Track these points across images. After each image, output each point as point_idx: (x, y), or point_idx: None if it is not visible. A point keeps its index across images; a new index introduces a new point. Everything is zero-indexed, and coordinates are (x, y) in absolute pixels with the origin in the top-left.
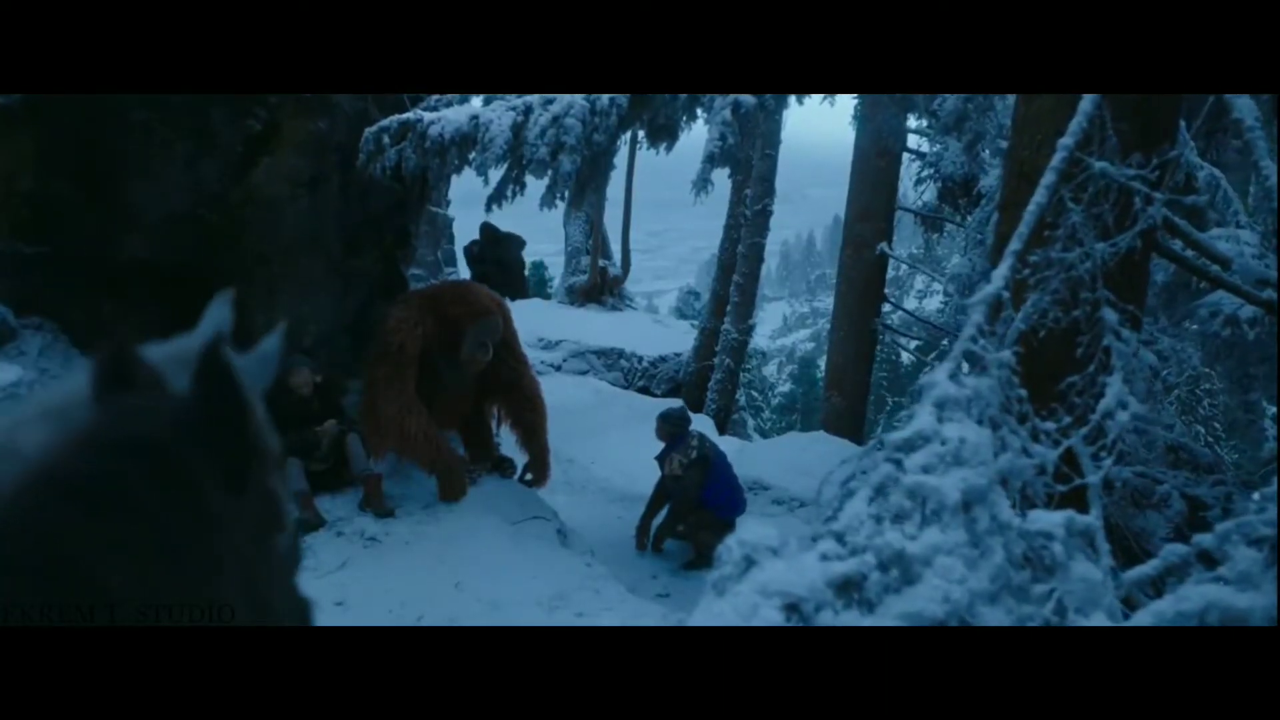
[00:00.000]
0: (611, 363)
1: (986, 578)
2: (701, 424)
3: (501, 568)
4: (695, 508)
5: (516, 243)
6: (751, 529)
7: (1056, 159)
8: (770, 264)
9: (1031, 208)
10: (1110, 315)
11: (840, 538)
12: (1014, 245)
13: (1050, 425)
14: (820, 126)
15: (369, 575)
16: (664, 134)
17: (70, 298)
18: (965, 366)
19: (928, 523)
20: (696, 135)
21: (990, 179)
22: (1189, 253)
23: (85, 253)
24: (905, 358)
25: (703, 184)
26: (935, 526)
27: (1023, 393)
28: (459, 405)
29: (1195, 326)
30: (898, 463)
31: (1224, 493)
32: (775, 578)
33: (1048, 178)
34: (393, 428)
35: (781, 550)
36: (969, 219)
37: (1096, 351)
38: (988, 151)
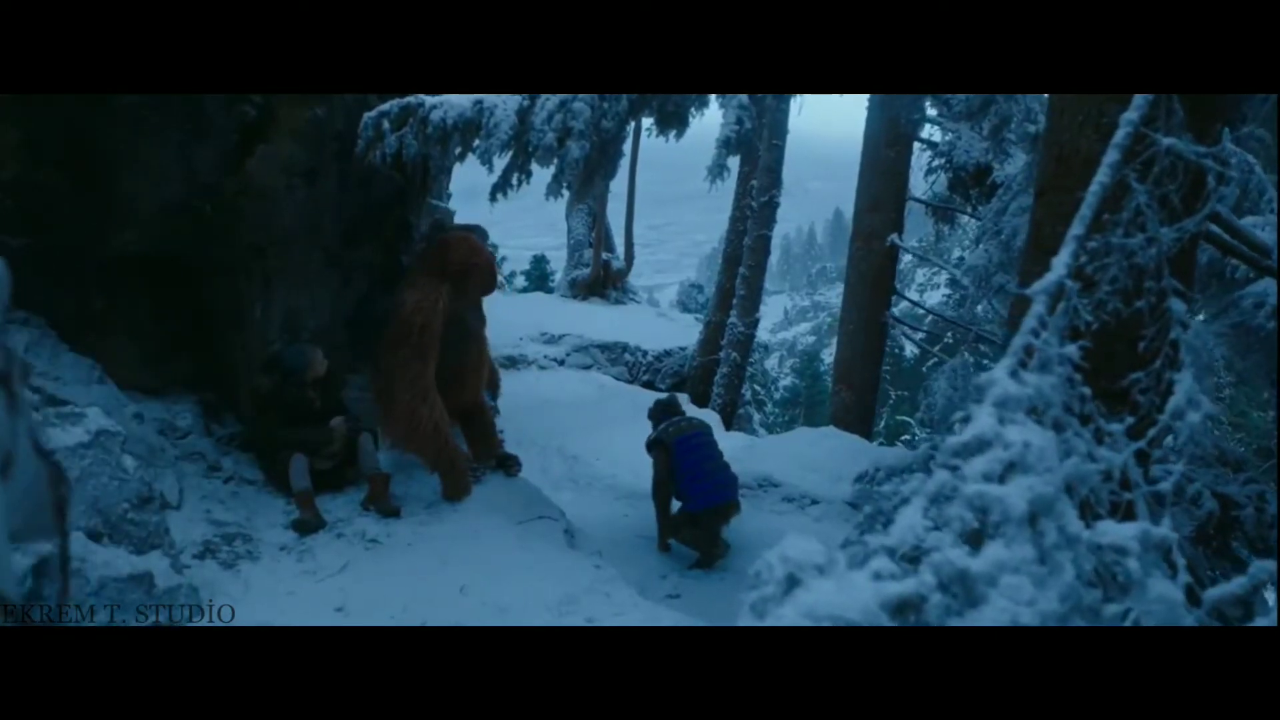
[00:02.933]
0: (615, 357)
1: (1056, 598)
2: (707, 419)
3: (508, 570)
4: (664, 494)
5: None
6: (795, 544)
7: (1120, 135)
8: (771, 258)
9: (1094, 188)
10: (1178, 306)
11: (894, 553)
12: (1076, 230)
13: (1117, 426)
14: (821, 119)
15: (370, 578)
16: (674, 120)
17: (59, 292)
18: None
19: (990, 536)
20: (699, 128)
21: (1015, 165)
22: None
23: (74, 245)
24: (909, 351)
25: (718, 170)
26: (999, 541)
27: (1086, 390)
28: (473, 377)
29: (1234, 318)
30: (955, 469)
31: (1256, 491)
32: (823, 600)
33: (1111, 155)
34: (403, 415)
35: (829, 568)
36: (983, 209)
37: (1163, 346)
38: (1013, 136)
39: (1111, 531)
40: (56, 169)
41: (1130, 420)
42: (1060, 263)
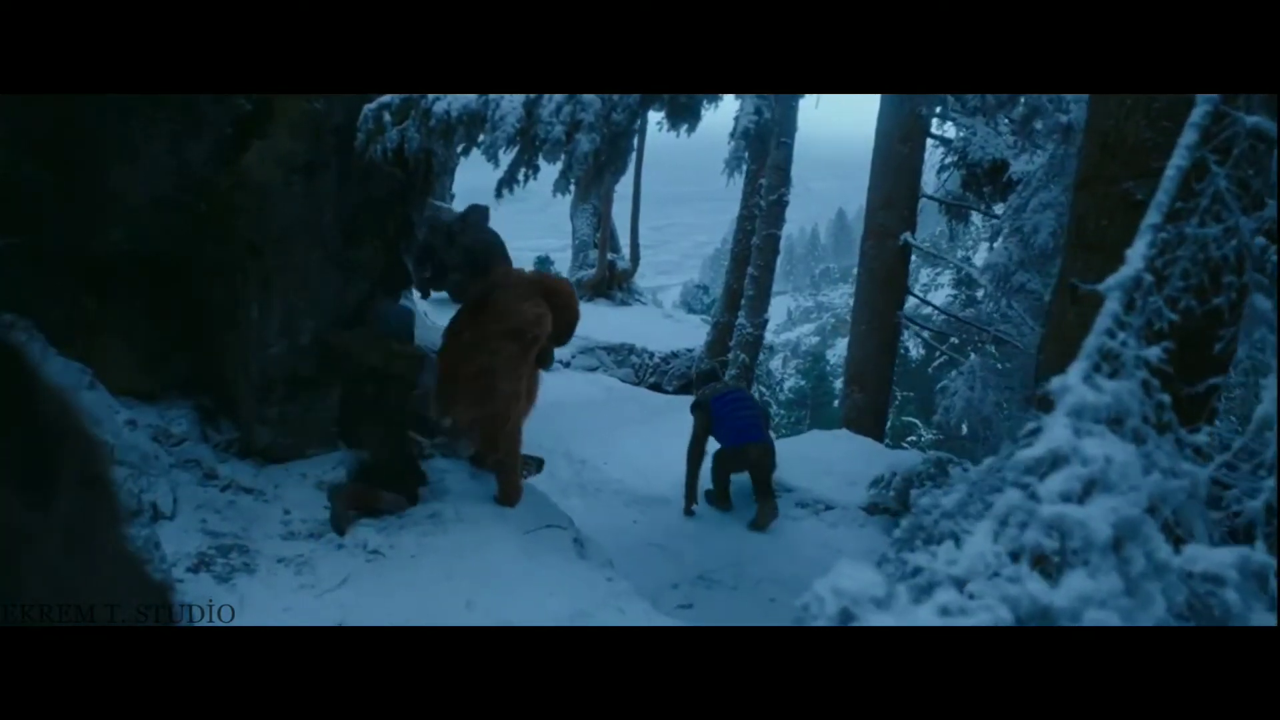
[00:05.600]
0: (622, 359)
1: None
2: None
3: (516, 583)
4: (695, 454)
5: (480, 214)
6: (848, 574)
7: (1198, 113)
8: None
9: (1171, 172)
10: (1263, 303)
11: (962, 585)
12: (1151, 218)
13: (1201, 438)
14: (826, 118)
15: (371, 593)
16: (685, 114)
17: (47, 292)
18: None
19: (1070, 565)
20: (708, 125)
21: (1040, 159)
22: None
23: (62, 243)
24: (914, 352)
25: (736, 162)
26: (1081, 571)
27: (1165, 398)
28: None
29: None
30: (1027, 488)
31: None
32: None
33: (1188, 136)
34: (500, 405)
35: (888, 602)
36: (1000, 206)
37: (1236, 349)
38: (1040, 128)
39: (1204, 558)
40: (42, 163)
41: (1209, 430)
42: (1137, 255)
